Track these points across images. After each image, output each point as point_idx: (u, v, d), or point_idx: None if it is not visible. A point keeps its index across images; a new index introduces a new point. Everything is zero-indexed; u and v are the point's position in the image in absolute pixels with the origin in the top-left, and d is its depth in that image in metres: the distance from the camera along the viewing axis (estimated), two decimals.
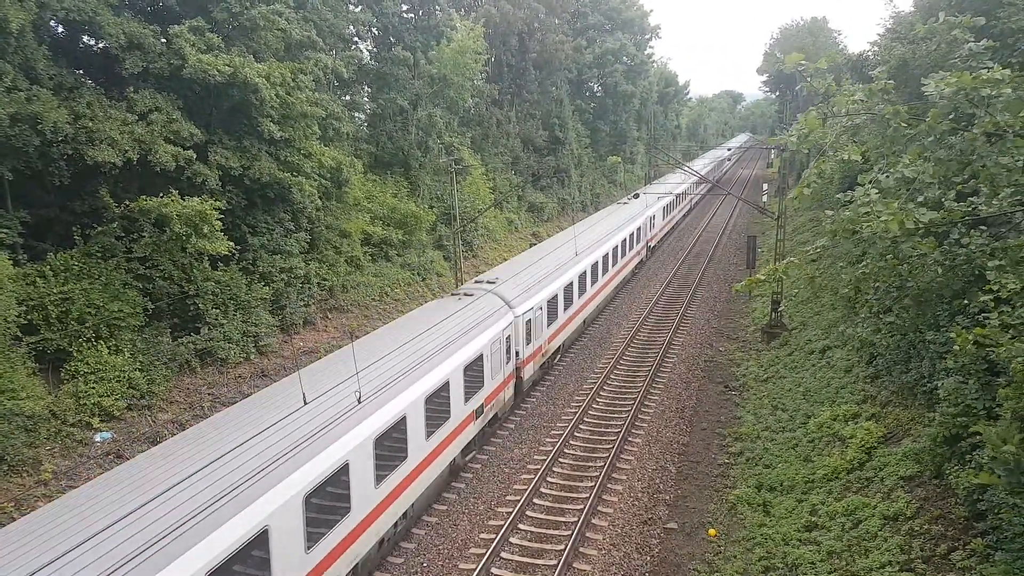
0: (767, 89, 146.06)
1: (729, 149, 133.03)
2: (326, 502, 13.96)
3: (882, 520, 15.70)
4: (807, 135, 12.92)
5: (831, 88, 12.92)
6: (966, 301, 15.30)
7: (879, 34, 34.98)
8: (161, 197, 25.01)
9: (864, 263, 15.44)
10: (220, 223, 25.92)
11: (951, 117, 11.81)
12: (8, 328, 20.80)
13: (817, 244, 15.50)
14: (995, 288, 11.55)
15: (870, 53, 34.13)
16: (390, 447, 16.46)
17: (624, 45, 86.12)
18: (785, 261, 14.86)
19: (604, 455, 22.82)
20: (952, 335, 12.25)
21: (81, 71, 26.78)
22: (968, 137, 11.54)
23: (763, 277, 14.38)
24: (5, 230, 22.32)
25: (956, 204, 12.24)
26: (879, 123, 12.66)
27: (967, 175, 12.48)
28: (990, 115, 11.33)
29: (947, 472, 15.25)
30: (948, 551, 13.72)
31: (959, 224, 13.04)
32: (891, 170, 12.89)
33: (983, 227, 13.23)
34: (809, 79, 12.86)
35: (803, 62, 12.39)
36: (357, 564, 15.56)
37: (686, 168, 54.55)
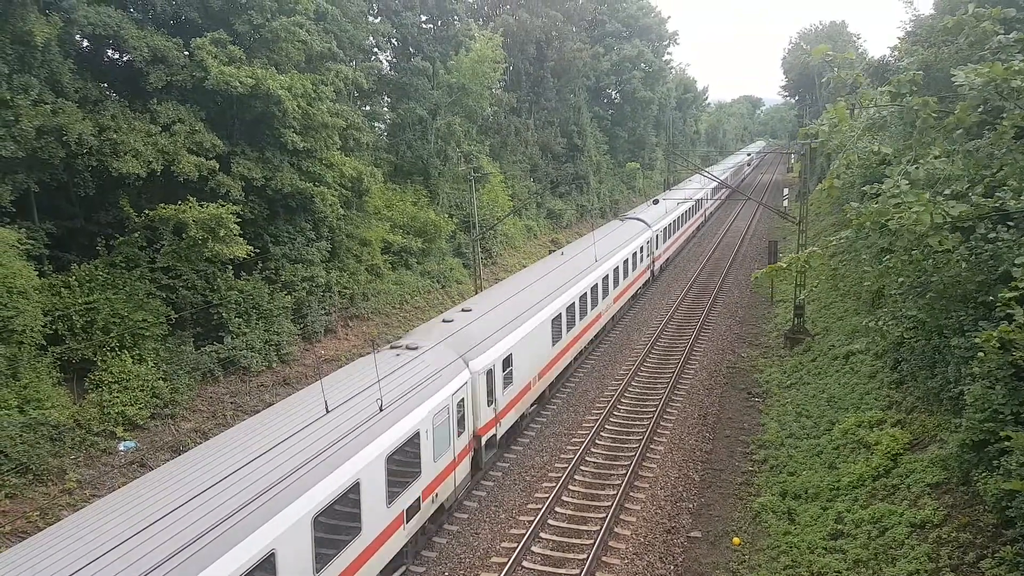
0: (786, 94, 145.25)
1: (749, 154, 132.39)
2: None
3: (909, 528, 15.47)
4: (836, 124, 12.80)
5: (859, 79, 12.80)
6: (991, 298, 15.09)
7: (899, 38, 34.61)
8: (179, 204, 25.29)
9: (888, 257, 15.23)
10: (237, 227, 26.05)
11: (980, 110, 11.67)
12: (34, 338, 21.08)
13: (841, 235, 15.24)
14: (1021, 285, 11.36)
15: (891, 58, 33.81)
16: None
17: (642, 52, 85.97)
18: (808, 251, 14.65)
19: (626, 463, 22.69)
20: (978, 340, 12.07)
21: (105, 84, 27.15)
22: (997, 132, 11.40)
23: (785, 265, 14.22)
24: (32, 241, 22.63)
25: (983, 199, 12.06)
26: (906, 115, 12.52)
27: (995, 169, 12.31)
28: (1020, 108, 11.19)
29: (975, 479, 14.99)
30: (977, 559, 13.48)
31: (986, 219, 12.86)
32: (921, 162, 12.74)
33: (1010, 223, 13.03)
34: (837, 70, 12.76)
35: (830, 53, 12.31)
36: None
37: (705, 173, 54.28)
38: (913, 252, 13.54)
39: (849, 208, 14.42)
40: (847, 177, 14.46)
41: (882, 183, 13.26)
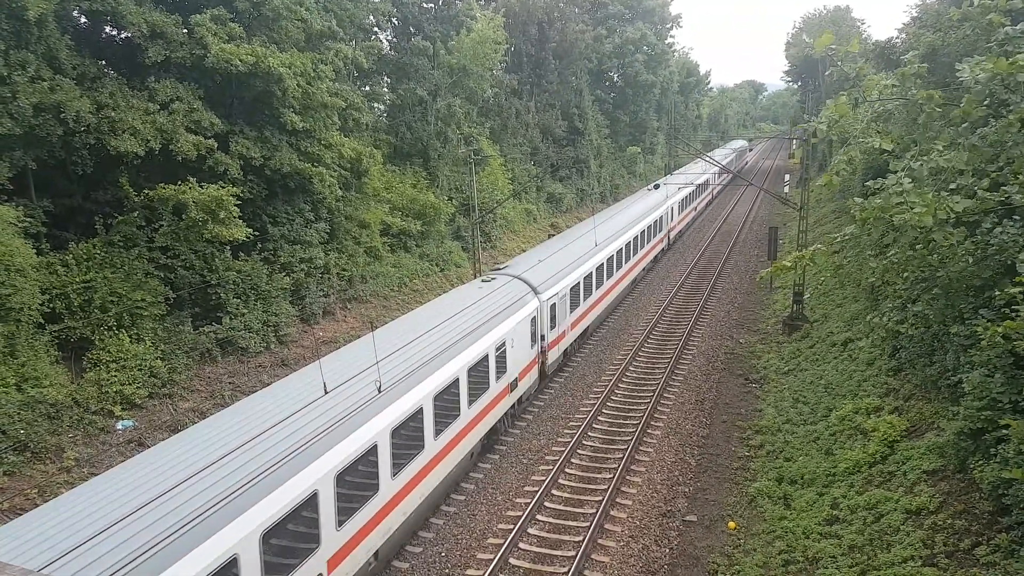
0: (789, 79, 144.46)
1: (752, 142, 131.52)
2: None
3: (904, 514, 15.50)
4: (837, 120, 12.68)
5: (862, 72, 12.65)
6: (996, 292, 15.04)
7: (905, 22, 34.38)
8: (179, 184, 25.16)
9: (892, 252, 15.17)
10: (237, 209, 26.00)
11: (986, 103, 11.55)
12: (31, 316, 21.04)
13: (845, 231, 15.18)
14: None
15: (897, 40, 33.54)
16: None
17: (644, 34, 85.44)
18: (812, 248, 14.58)
19: (623, 446, 22.72)
20: (978, 328, 12.01)
21: (104, 61, 26.93)
22: (1003, 125, 11.29)
23: (788, 264, 14.15)
24: (29, 219, 22.53)
25: (989, 193, 11.97)
26: (911, 109, 12.39)
27: (1001, 163, 12.20)
28: None
29: (971, 466, 15.01)
30: (972, 546, 13.52)
31: (991, 214, 12.77)
32: (924, 158, 12.63)
33: (1016, 217, 12.94)
34: (839, 63, 12.63)
35: (833, 45, 12.16)
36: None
37: (707, 159, 54.11)
38: (918, 247, 13.46)
39: (853, 203, 14.32)
40: (847, 173, 14.37)
41: (885, 177, 13.16)
